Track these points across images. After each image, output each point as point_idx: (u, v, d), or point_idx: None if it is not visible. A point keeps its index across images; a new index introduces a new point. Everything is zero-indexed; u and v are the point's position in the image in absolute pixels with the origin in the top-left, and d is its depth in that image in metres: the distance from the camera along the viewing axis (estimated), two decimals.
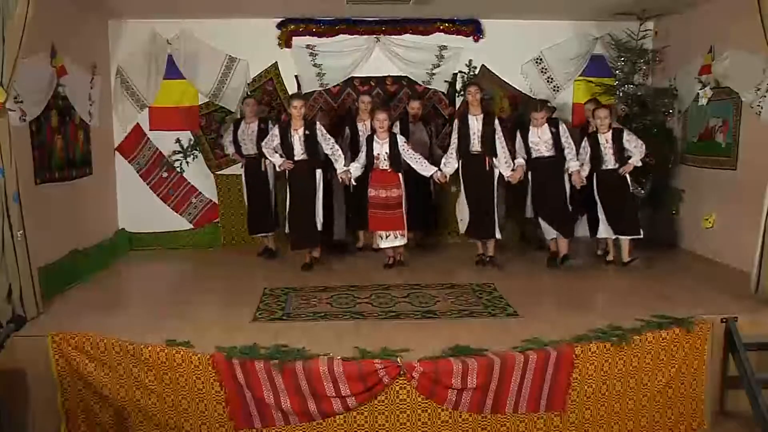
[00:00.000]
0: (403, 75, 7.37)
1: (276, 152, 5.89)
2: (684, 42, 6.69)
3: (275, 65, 7.28)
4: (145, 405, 3.89)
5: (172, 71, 7.14)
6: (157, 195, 7.26)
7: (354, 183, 5.88)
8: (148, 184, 7.29)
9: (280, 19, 7.14)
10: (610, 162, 5.91)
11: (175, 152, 7.28)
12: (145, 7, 6.33)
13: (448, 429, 3.80)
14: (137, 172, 7.27)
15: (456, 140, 5.90)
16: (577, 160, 5.93)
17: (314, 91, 7.31)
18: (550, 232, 6.10)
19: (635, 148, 5.89)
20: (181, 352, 3.80)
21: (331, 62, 7.24)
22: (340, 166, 5.86)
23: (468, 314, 4.66)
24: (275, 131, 5.91)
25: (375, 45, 7.29)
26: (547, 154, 5.93)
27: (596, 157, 5.92)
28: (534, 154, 5.97)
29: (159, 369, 3.82)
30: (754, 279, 4.77)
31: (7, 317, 3.98)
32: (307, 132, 5.79)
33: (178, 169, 7.31)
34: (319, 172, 5.88)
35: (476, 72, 7.37)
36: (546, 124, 5.94)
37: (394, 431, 3.76)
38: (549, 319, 4.47)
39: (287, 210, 5.91)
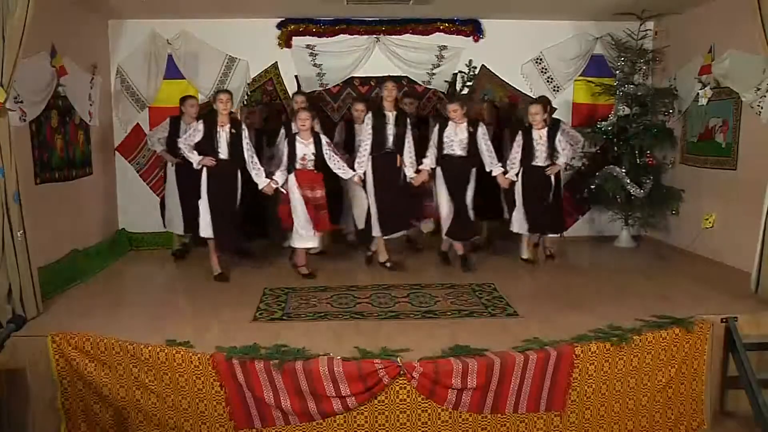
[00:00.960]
0: (403, 75, 7.37)
1: (194, 149, 5.47)
2: (684, 42, 6.69)
3: (275, 65, 7.29)
4: (145, 405, 3.89)
5: (172, 71, 7.15)
6: (157, 195, 7.26)
7: (283, 191, 5.56)
8: (148, 184, 7.29)
9: (280, 19, 7.15)
10: (541, 159, 5.86)
11: None
12: (145, 7, 6.33)
13: (448, 429, 3.80)
14: (137, 172, 7.28)
15: (370, 139, 5.75)
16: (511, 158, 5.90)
17: (314, 90, 7.32)
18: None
19: (563, 150, 5.86)
20: (181, 352, 3.79)
21: (331, 62, 7.25)
22: (260, 179, 5.52)
23: (468, 314, 4.66)
24: (198, 126, 5.49)
25: (375, 45, 7.29)
26: (459, 153, 5.78)
27: (527, 152, 5.86)
28: (446, 150, 5.80)
29: (159, 369, 3.82)
30: (754, 279, 4.78)
31: (7, 317, 3.98)
32: (233, 131, 5.49)
33: None
34: (240, 175, 5.55)
35: (476, 72, 7.37)
36: (465, 123, 5.77)
37: (394, 431, 3.76)
38: (549, 319, 4.47)
39: (209, 211, 5.46)
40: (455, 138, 5.76)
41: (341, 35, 7.24)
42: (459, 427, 3.80)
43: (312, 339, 4.06)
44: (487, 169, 5.85)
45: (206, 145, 5.46)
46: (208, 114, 6.57)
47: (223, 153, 5.47)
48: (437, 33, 7.29)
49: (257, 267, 6.11)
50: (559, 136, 5.88)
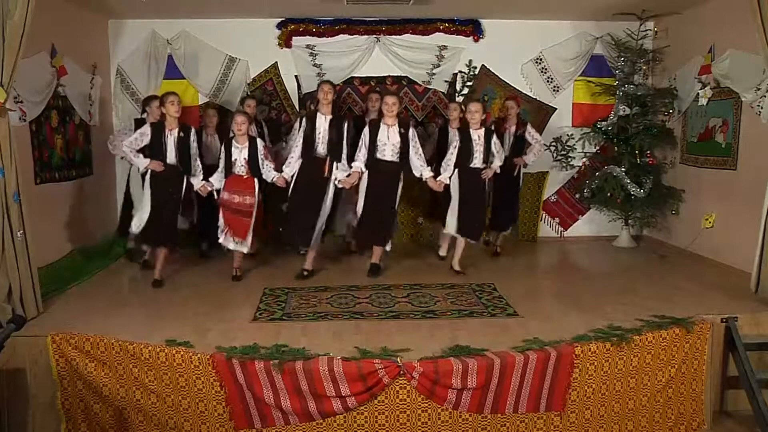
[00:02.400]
0: (403, 75, 7.37)
1: (140, 153, 5.31)
2: (684, 42, 6.69)
3: (275, 65, 7.29)
4: (145, 405, 3.89)
5: (172, 71, 7.15)
6: None
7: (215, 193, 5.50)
8: None
9: (280, 19, 7.15)
10: (478, 160, 5.69)
11: None
12: (145, 7, 6.33)
13: (448, 429, 3.80)
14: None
15: (300, 142, 5.54)
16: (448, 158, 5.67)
17: (314, 91, 7.31)
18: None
19: (497, 152, 5.77)
20: (181, 352, 3.80)
21: (331, 62, 7.25)
22: (196, 180, 5.42)
23: (468, 314, 4.66)
24: (145, 130, 5.32)
25: (375, 45, 7.29)
26: (389, 158, 5.52)
27: (465, 153, 5.63)
28: (377, 155, 5.54)
29: (159, 369, 3.82)
30: (754, 279, 4.78)
31: (7, 317, 3.97)
32: (181, 134, 5.32)
33: None
34: (185, 180, 5.41)
35: (476, 72, 7.37)
36: (396, 125, 5.51)
37: (394, 431, 3.76)
38: (549, 319, 4.48)
39: (147, 213, 5.32)
40: (387, 141, 5.50)
41: (341, 35, 7.24)
42: (459, 427, 3.80)
43: (312, 339, 4.06)
44: (417, 174, 5.63)
45: (154, 150, 5.29)
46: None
47: (171, 158, 5.31)
48: (437, 33, 7.29)
49: (257, 267, 6.10)
50: (494, 138, 5.72)
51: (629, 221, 7.11)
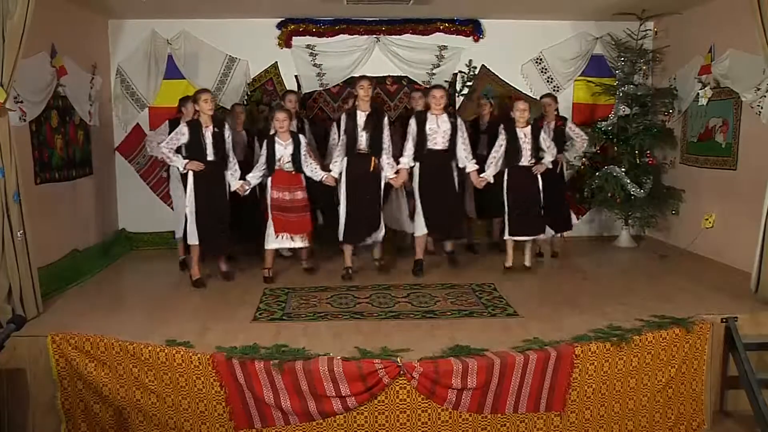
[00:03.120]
0: (403, 75, 7.37)
1: (179, 153, 5.32)
2: (684, 42, 6.69)
3: (275, 65, 7.29)
4: (145, 405, 3.89)
5: (172, 71, 7.14)
6: (157, 195, 7.26)
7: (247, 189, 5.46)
8: (148, 184, 7.29)
9: (280, 19, 7.15)
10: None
11: None
12: (145, 7, 6.33)
13: (448, 429, 3.80)
14: (137, 172, 7.27)
15: (344, 139, 5.53)
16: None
17: (314, 91, 7.32)
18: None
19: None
20: (181, 352, 3.80)
21: (331, 62, 7.25)
22: (234, 181, 5.41)
23: (468, 314, 4.66)
24: (182, 129, 5.30)
25: (375, 45, 7.29)
26: (441, 147, 5.54)
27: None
28: (429, 145, 5.54)
29: (159, 369, 3.82)
30: (754, 279, 4.78)
31: (7, 317, 3.98)
32: (216, 129, 5.33)
33: None
34: (228, 174, 5.43)
35: (476, 72, 7.37)
36: (444, 114, 5.53)
37: (394, 431, 3.76)
38: (549, 319, 4.48)
39: (194, 216, 5.31)
40: (438, 129, 5.52)
41: (341, 35, 7.24)
42: (459, 427, 3.80)
43: (312, 339, 4.06)
44: (461, 165, 5.66)
45: (193, 148, 5.28)
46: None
47: (210, 155, 5.31)
48: (437, 33, 7.29)
49: (257, 267, 6.10)
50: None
51: (629, 221, 7.10)
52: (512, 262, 5.89)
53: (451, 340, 4.02)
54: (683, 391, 4.19)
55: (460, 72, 7.39)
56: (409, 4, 6.28)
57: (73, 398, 4.02)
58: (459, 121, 5.66)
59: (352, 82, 7.27)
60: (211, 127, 5.33)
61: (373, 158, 5.54)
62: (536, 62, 7.41)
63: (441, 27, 7.26)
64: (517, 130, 5.71)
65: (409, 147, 5.58)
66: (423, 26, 7.25)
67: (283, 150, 5.49)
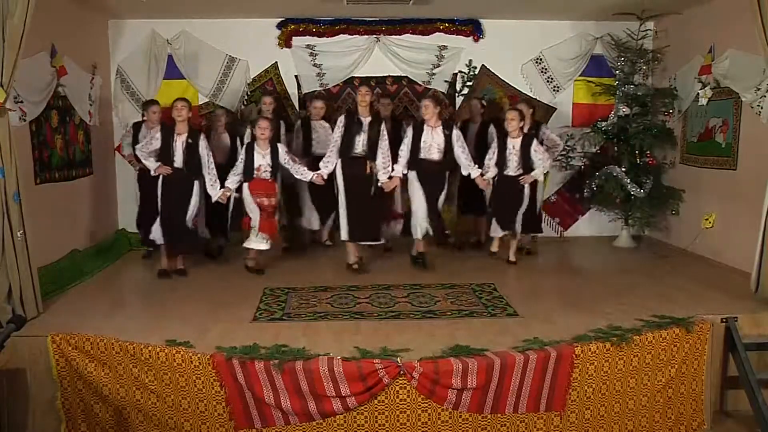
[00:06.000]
0: (403, 75, 7.37)
1: (151, 156, 5.49)
2: (684, 42, 6.69)
3: (275, 65, 7.29)
4: (145, 405, 3.89)
5: (172, 71, 7.15)
6: None
7: (236, 195, 5.66)
8: None
9: (280, 19, 7.15)
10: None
11: None
12: (145, 7, 6.33)
13: (448, 429, 3.80)
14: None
15: (339, 141, 5.66)
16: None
17: (314, 90, 7.32)
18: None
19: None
20: (181, 352, 3.79)
21: (331, 62, 7.25)
22: (214, 191, 5.53)
23: (468, 314, 4.66)
24: (156, 135, 5.50)
25: (375, 45, 7.29)
26: (436, 157, 5.66)
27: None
28: (422, 155, 5.66)
29: (159, 369, 3.82)
30: (754, 279, 4.78)
31: (7, 317, 3.98)
32: (190, 140, 5.48)
33: None
34: (196, 184, 5.55)
35: (476, 72, 7.37)
36: (440, 126, 5.66)
37: (394, 431, 3.76)
38: (549, 319, 4.47)
39: (159, 217, 5.54)
40: (432, 143, 5.65)
41: (341, 35, 7.25)
42: (459, 427, 3.80)
43: (312, 339, 4.06)
44: (464, 173, 5.81)
45: (162, 153, 5.46)
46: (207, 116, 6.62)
47: (178, 162, 5.46)
48: (437, 33, 7.30)
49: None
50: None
51: (629, 221, 7.10)
52: (499, 252, 6.15)
53: (451, 340, 4.02)
54: (683, 391, 4.19)
55: (460, 72, 7.40)
56: (409, 4, 6.29)
57: (73, 398, 4.02)
58: (455, 132, 5.71)
59: (351, 82, 7.35)
60: (184, 136, 5.47)
61: (368, 162, 5.65)
62: (536, 62, 7.41)
63: (441, 27, 7.26)
64: (507, 140, 5.81)
65: (404, 155, 5.68)
66: (423, 26, 7.25)
67: (261, 159, 5.58)
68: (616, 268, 6.16)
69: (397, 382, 3.70)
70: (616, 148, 7.01)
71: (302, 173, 5.71)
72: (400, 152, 5.71)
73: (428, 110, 5.64)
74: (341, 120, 5.74)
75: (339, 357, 3.71)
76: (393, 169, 5.68)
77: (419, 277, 5.68)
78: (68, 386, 4.00)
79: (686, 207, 6.76)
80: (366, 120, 5.68)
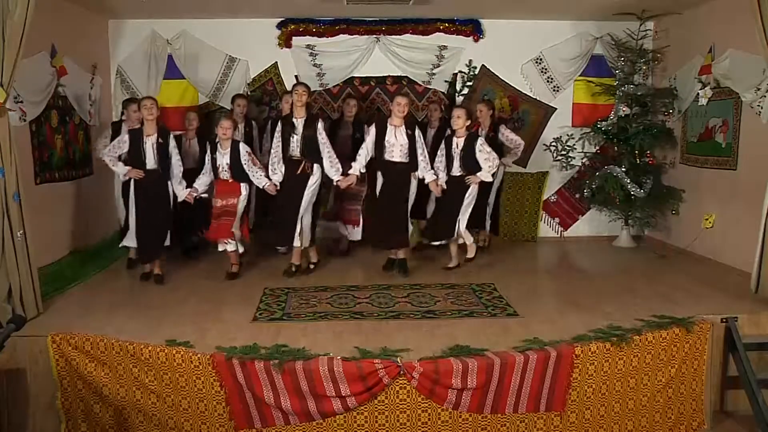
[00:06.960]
0: (403, 75, 7.37)
1: (120, 160, 5.40)
2: (684, 42, 6.69)
3: (275, 65, 7.29)
4: (145, 405, 3.89)
5: (172, 71, 7.15)
6: None
7: (203, 197, 5.59)
8: None
9: (280, 19, 7.15)
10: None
11: None
12: (145, 7, 6.33)
13: (448, 429, 3.80)
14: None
15: (278, 146, 5.55)
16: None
17: (314, 91, 7.32)
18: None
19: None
20: (181, 352, 3.80)
21: (331, 62, 7.25)
22: (181, 192, 5.43)
23: (468, 314, 4.66)
24: (124, 137, 5.38)
25: (375, 45, 7.29)
26: (398, 159, 5.54)
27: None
28: (386, 156, 5.56)
29: (159, 369, 3.82)
30: (754, 279, 4.78)
31: (7, 317, 3.98)
32: (160, 140, 5.33)
33: None
34: (170, 184, 5.45)
35: (476, 72, 7.37)
36: (403, 126, 5.53)
37: (394, 431, 3.76)
38: (549, 319, 4.48)
39: (134, 222, 5.45)
40: (395, 142, 5.53)
41: (341, 35, 7.24)
42: (459, 427, 3.81)
43: (312, 339, 4.06)
44: (419, 176, 5.64)
45: (132, 156, 5.32)
46: (207, 115, 6.61)
47: (150, 163, 5.33)
48: (437, 33, 7.29)
49: (257, 267, 6.10)
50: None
51: (629, 221, 7.11)
52: (457, 261, 5.97)
53: (451, 340, 4.02)
54: (683, 391, 4.19)
55: (460, 72, 7.39)
56: (409, 4, 6.29)
57: (73, 398, 4.02)
58: (417, 132, 5.60)
59: (351, 82, 7.35)
60: (153, 137, 5.33)
61: (304, 162, 5.51)
62: (536, 62, 7.41)
63: (441, 27, 7.25)
64: (453, 139, 5.72)
65: (363, 154, 5.60)
66: (423, 26, 7.24)
67: (221, 158, 5.50)
68: (616, 268, 6.16)
69: (397, 382, 3.70)
70: (616, 148, 7.01)
71: (258, 178, 5.52)
72: (360, 151, 5.62)
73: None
74: (275, 123, 5.69)
75: (339, 357, 3.71)
76: (351, 167, 5.57)
77: (419, 277, 5.68)
78: (68, 386, 4.00)
79: (686, 207, 6.76)
80: (299, 121, 5.53)
